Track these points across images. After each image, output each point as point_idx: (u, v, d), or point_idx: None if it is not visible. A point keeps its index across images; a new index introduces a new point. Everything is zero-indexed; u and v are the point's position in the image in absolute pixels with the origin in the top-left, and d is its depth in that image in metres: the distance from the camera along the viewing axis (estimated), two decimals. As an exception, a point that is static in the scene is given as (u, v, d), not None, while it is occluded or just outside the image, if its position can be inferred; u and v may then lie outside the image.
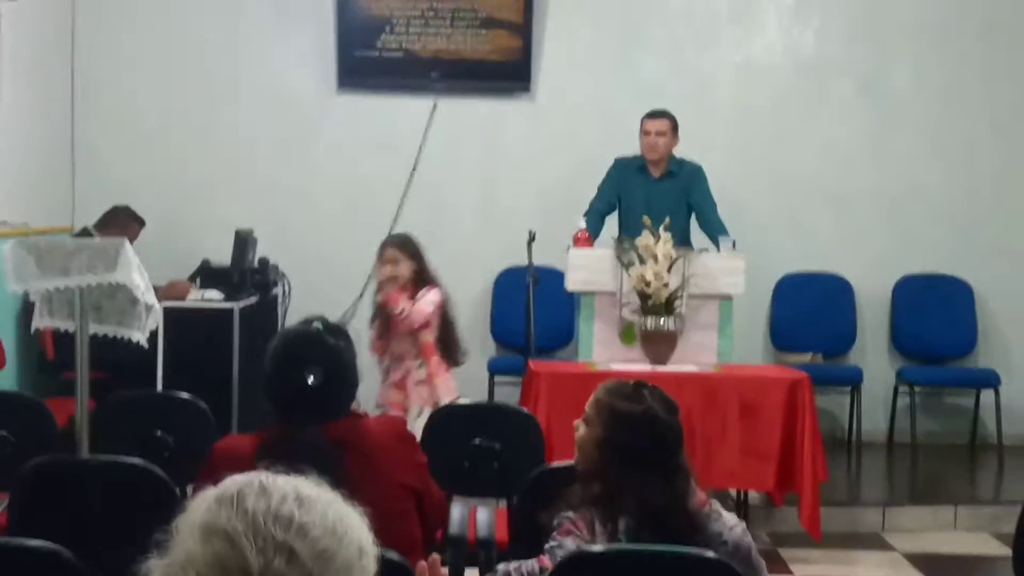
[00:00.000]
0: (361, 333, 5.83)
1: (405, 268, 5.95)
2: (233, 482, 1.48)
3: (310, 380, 2.97)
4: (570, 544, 2.95)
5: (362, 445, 2.98)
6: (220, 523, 1.42)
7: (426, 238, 6.18)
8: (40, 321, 4.73)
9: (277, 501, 1.45)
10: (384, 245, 6.12)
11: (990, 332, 8.40)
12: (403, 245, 6.06)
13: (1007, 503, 6.70)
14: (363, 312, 7.94)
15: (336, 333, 3.09)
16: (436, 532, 3.41)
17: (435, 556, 1.71)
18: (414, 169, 8.29)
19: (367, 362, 6.00)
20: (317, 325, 3.07)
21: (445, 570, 1.74)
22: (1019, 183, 8.41)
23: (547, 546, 2.99)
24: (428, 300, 5.93)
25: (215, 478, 1.53)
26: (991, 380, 7.97)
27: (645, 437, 3.03)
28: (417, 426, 4.95)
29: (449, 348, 6.02)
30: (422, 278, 5.98)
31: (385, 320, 6.00)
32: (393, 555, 2.52)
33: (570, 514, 3.01)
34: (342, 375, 3.05)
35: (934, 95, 8.42)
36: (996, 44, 8.41)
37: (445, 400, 5.78)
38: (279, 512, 1.44)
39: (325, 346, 3.03)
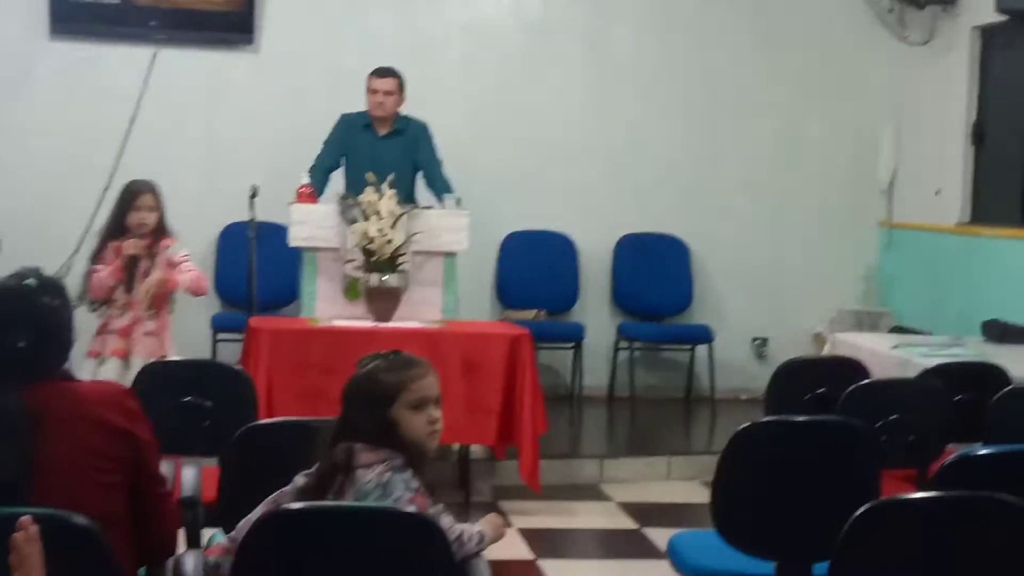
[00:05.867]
0: (76, 289, 5.59)
1: (155, 217, 5.78)
2: None
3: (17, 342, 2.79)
4: None
5: (67, 411, 2.80)
6: None
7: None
8: None
9: None
10: (140, 191, 5.81)
11: (705, 290, 8.72)
12: (157, 193, 5.83)
13: (717, 453, 6.94)
14: (79, 268, 7.65)
15: (51, 290, 2.89)
16: (158, 535, 2.95)
17: (26, 518, 1.56)
18: (133, 121, 8.00)
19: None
20: (31, 281, 2.87)
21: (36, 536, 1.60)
22: (734, 144, 8.74)
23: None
24: (189, 265, 5.84)
25: None
26: (705, 336, 8.29)
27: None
28: (128, 378, 4.80)
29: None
30: (162, 228, 5.82)
31: (132, 269, 5.75)
32: (83, 520, 2.41)
33: None
34: (53, 336, 2.86)
35: (653, 57, 8.66)
36: (711, 6, 8.68)
37: (172, 355, 5.62)
38: None
39: (35, 305, 2.84)
